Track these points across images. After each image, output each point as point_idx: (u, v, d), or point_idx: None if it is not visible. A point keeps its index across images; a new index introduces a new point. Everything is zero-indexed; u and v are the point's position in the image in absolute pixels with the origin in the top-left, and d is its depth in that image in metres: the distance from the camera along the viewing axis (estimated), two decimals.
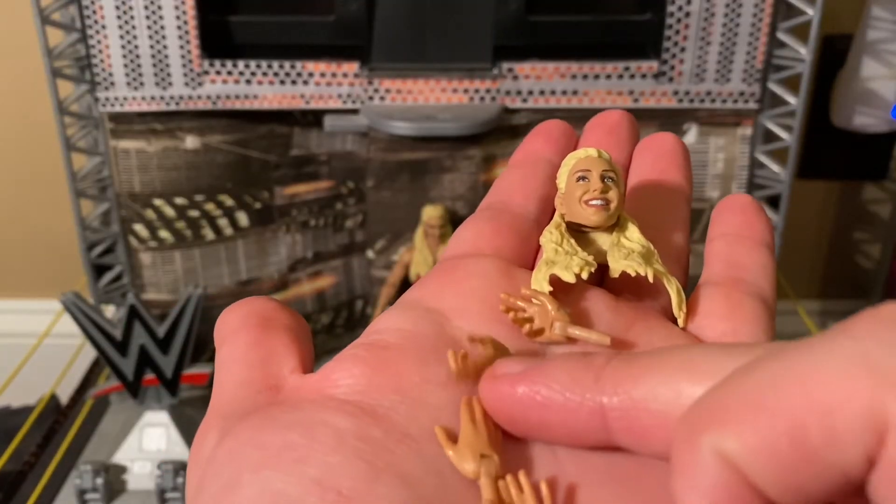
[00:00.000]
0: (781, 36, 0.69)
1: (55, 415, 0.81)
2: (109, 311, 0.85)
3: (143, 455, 0.74)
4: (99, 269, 0.79)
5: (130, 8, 0.68)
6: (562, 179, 0.23)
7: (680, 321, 0.21)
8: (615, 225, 0.22)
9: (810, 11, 0.67)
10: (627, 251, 0.22)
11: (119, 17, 0.68)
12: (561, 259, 0.21)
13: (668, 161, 0.26)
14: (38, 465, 0.74)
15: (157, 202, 0.77)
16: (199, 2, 0.68)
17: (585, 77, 0.70)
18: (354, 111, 0.73)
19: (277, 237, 0.82)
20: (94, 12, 0.68)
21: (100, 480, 0.69)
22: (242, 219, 0.80)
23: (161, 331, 0.72)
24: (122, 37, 0.69)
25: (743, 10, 0.68)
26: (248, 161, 0.78)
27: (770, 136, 0.74)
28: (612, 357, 0.17)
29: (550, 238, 0.22)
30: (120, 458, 0.73)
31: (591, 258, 0.21)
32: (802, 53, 0.68)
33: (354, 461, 0.16)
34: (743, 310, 0.21)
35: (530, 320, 0.20)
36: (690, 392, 0.15)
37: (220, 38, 0.71)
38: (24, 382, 0.80)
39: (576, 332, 0.20)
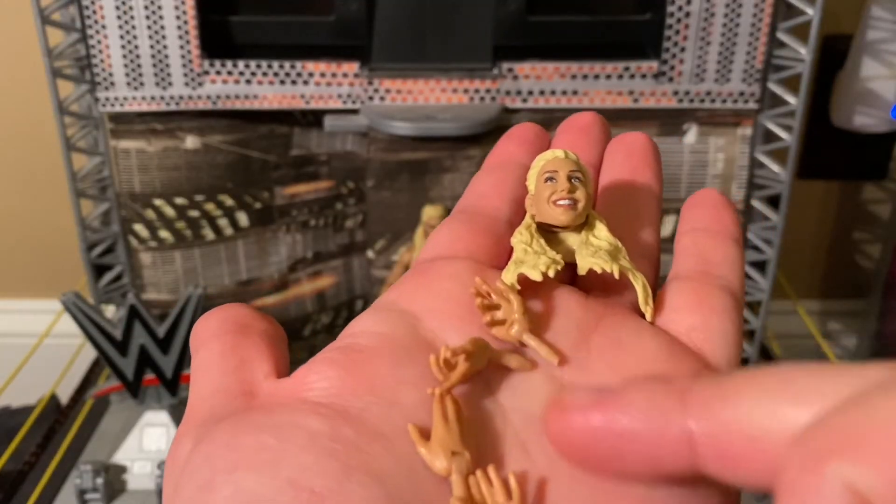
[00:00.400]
0: (781, 36, 0.69)
1: (55, 415, 0.81)
2: (109, 311, 0.85)
3: (143, 455, 0.74)
4: (99, 269, 0.79)
5: (130, 8, 0.68)
6: (531, 181, 0.23)
7: (647, 316, 0.22)
8: (584, 224, 0.23)
9: (810, 11, 0.67)
10: (595, 249, 0.22)
11: (119, 17, 0.68)
12: (529, 258, 0.21)
13: (639, 160, 0.26)
14: (38, 465, 0.74)
15: (158, 202, 0.77)
16: (199, 2, 0.68)
17: (585, 77, 0.70)
18: (354, 111, 0.73)
19: (277, 237, 0.82)
20: (95, 12, 0.68)
21: (100, 480, 0.69)
22: (242, 219, 0.80)
23: (161, 331, 0.72)
24: (122, 37, 0.69)
25: (743, 10, 0.68)
26: (248, 161, 0.78)
27: (770, 136, 0.74)
28: (697, 378, 0.16)
29: (520, 239, 0.22)
30: (120, 458, 0.73)
31: (558, 257, 0.22)
32: (802, 53, 0.68)
33: (327, 460, 0.16)
34: (711, 302, 0.22)
35: (496, 308, 0.20)
36: (794, 416, 0.14)
37: (220, 38, 0.72)
38: (24, 382, 0.80)
39: (531, 340, 0.20)
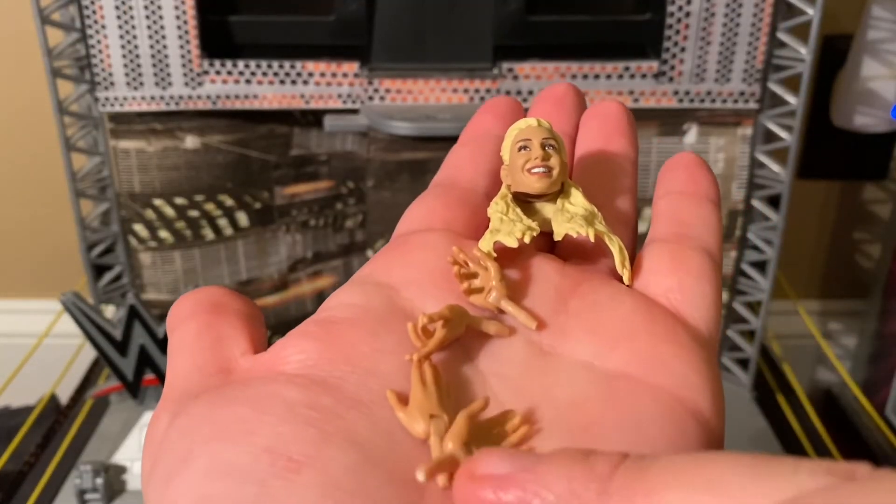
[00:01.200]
0: (781, 36, 0.69)
1: (55, 415, 0.81)
2: (109, 311, 0.85)
3: None
4: (99, 269, 0.79)
5: (130, 8, 0.68)
6: (505, 151, 0.23)
7: (625, 278, 0.22)
8: (560, 192, 0.23)
9: (810, 11, 0.67)
10: (571, 215, 0.22)
11: (119, 17, 0.68)
12: (505, 226, 0.21)
13: (614, 127, 0.26)
14: (38, 465, 0.74)
15: (157, 202, 0.77)
16: (199, 2, 0.68)
17: (585, 77, 0.70)
18: (354, 111, 0.72)
19: (277, 237, 0.82)
20: (94, 12, 0.68)
21: (100, 480, 0.69)
22: (242, 219, 0.80)
23: (161, 331, 0.72)
24: (121, 37, 0.69)
25: (743, 10, 0.68)
26: (248, 161, 0.78)
27: (770, 136, 0.74)
28: (620, 463, 0.14)
29: (496, 208, 0.22)
30: (120, 458, 0.73)
31: (534, 224, 0.22)
32: (803, 53, 0.68)
33: (304, 428, 0.16)
34: (687, 264, 0.21)
35: (473, 276, 0.20)
36: None
37: (220, 38, 0.71)
38: (24, 382, 0.80)
39: (508, 306, 0.20)
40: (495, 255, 0.21)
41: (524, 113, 0.27)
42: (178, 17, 0.68)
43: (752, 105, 0.71)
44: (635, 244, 0.24)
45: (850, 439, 0.88)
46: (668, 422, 0.18)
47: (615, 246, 0.22)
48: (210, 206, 0.78)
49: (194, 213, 0.78)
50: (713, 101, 0.71)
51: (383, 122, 0.70)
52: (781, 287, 0.87)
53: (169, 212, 0.77)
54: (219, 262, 0.80)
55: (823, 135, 0.92)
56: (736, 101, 0.71)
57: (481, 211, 0.23)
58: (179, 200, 0.77)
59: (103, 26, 0.69)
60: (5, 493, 0.71)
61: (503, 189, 0.23)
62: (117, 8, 0.68)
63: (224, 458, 0.16)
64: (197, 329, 0.20)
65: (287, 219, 0.82)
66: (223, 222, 0.79)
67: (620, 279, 0.22)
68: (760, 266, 0.78)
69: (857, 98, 0.82)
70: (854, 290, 1.04)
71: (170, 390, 0.19)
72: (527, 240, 0.21)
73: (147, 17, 0.68)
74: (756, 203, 0.76)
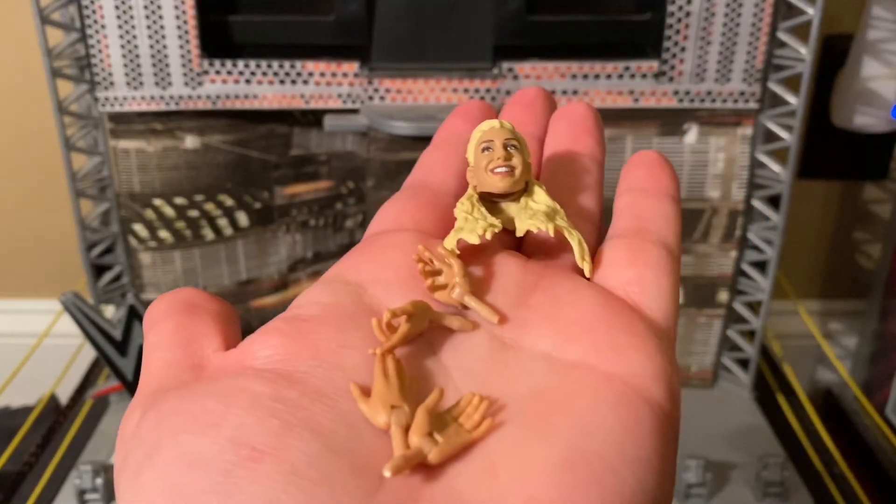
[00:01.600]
0: (782, 36, 0.69)
1: (55, 415, 0.81)
2: (109, 311, 0.85)
3: None
4: (98, 269, 0.79)
5: (130, 7, 0.68)
6: (470, 153, 0.24)
7: (585, 271, 0.22)
8: (524, 191, 0.24)
9: (811, 11, 0.67)
10: (533, 212, 0.23)
11: (119, 17, 0.68)
12: (469, 224, 0.22)
13: (581, 128, 0.27)
14: (38, 465, 0.74)
15: (157, 202, 0.77)
16: (198, 2, 0.68)
17: (586, 77, 0.70)
18: (354, 111, 0.72)
19: (277, 237, 0.82)
20: (94, 12, 0.68)
21: (100, 480, 0.69)
22: (242, 219, 0.80)
23: None
24: (121, 36, 0.69)
25: (743, 9, 0.68)
26: (248, 161, 0.78)
27: (770, 136, 0.73)
28: None
29: (462, 208, 0.23)
30: None
31: (497, 221, 0.22)
32: (803, 53, 0.68)
33: (268, 419, 0.17)
34: (645, 258, 0.22)
35: (437, 273, 0.21)
36: None
37: (219, 38, 0.71)
38: (24, 382, 0.80)
39: (471, 302, 0.21)
40: (459, 252, 0.22)
41: (496, 116, 0.28)
42: (177, 17, 0.68)
43: (753, 105, 0.71)
44: (599, 240, 0.25)
45: (850, 439, 0.88)
46: (624, 409, 0.18)
47: (575, 240, 0.22)
48: (210, 206, 0.78)
49: (194, 213, 0.78)
50: (713, 101, 0.71)
51: (383, 122, 0.70)
52: (782, 287, 0.87)
53: (169, 212, 0.77)
54: (219, 262, 0.80)
55: (824, 135, 0.92)
56: (736, 101, 0.71)
57: (450, 212, 0.24)
58: (179, 200, 0.77)
59: (103, 26, 0.69)
60: (5, 493, 0.71)
61: (469, 190, 0.24)
62: (117, 8, 0.68)
63: (191, 450, 0.17)
64: (172, 328, 0.21)
65: (287, 219, 0.82)
66: (223, 222, 0.79)
67: (582, 273, 0.22)
68: (761, 266, 0.78)
69: (857, 98, 0.81)
70: (854, 290, 1.04)
71: (143, 387, 0.20)
72: (488, 236, 0.22)
73: (147, 16, 0.68)
74: (756, 203, 0.76)
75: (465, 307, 0.21)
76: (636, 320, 0.21)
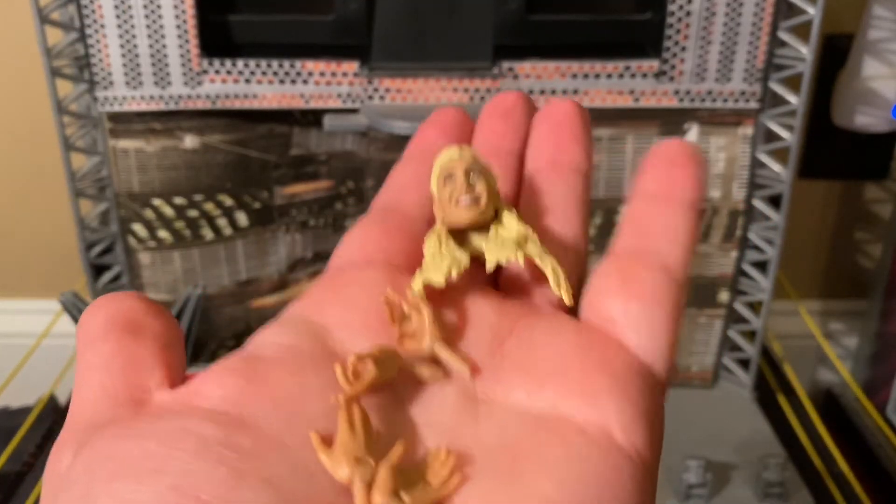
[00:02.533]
0: (782, 35, 0.69)
1: (54, 415, 0.80)
2: None
3: None
4: (98, 269, 0.79)
5: (129, 7, 0.68)
6: (433, 185, 0.22)
7: (565, 300, 0.20)
8: (494, 218, 0.22)
9: (811, 11, 0.67)
10: (502, 240, 0.21)
11: (118, 17, 0.68)
12: (434, 262, 0.21)
13: (565, 133, 0.24)
14: (38, 465, 0.74)
15: (156, 202, 0.77)
16: (198, 1, 0.68)
17: (586, 76, 0.70)
18: (354, 110, 0.72)
19: (277, 237, 0.82)
20: (94, 11, 0.68)
21: None
22: (242, 219, 0.80)
23: None
24: (121, 36, 0.69)
25: (744, 9, 0.68)
26: (248, 161, 0.78)
27: (771, 136, 0.73)
28: None
29: (429, 245, 0.21)
30: None
31: (464, 257, 0.21)
32: (803, 53, 0.68)
33: (217, 467, 0.15)
34: (637, 285, 0.20)
35: (406, 318, 0.20)
36: None
37: (219, 38, 0.71)
38: (24, 382, 0.80)
39: (442, 352, 0.19)
40: (425, 294, 0.20)
41: (472, 124, 0.26)
42: (177, 17, 0.68)
43: (753, 105, 0.71)
44: (584, 265, 0.22)
45: (850, 439, 0.88)
46: (598, 458, 0.17)
47: (548, 267, 0.21)
48: (209, 206, 0.78)
49: (193, 213, 0.78)
50: (714, 100, 0.71)
51: (383, 122, 0.70)
52: (782, 287, 0.87)
53: (168, 212, 0.77)
54: (218, 262, 0.80)
55: (824, 134, 0.92)
56: (737, 101, 0.71)
57: (422, 237, 0.22)
58: (178, 200, 0.77)
59: (102, 25, 0.69)
60: (5, 493, 0.71)
61: (437, 224, 0.22)
62: (116, 7, 0.68)
63: (126, 499, 0.15)
64: (109, 352, 0.19)
65: (287, 219, 0.81)
66: (223, 222, 0.79)
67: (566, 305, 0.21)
68: (761, 266, 0.78)
69: (857, 97, 0.81)
70: (855, 290, 1.04)
71: (75, 417, 0.18)
72: (454, 275, 0.20)
73: (146, 16, 0.68)
74: (757, 203, 0.76)
75: (435, 360, 0.19)
76: (614, 359, 0.19)
